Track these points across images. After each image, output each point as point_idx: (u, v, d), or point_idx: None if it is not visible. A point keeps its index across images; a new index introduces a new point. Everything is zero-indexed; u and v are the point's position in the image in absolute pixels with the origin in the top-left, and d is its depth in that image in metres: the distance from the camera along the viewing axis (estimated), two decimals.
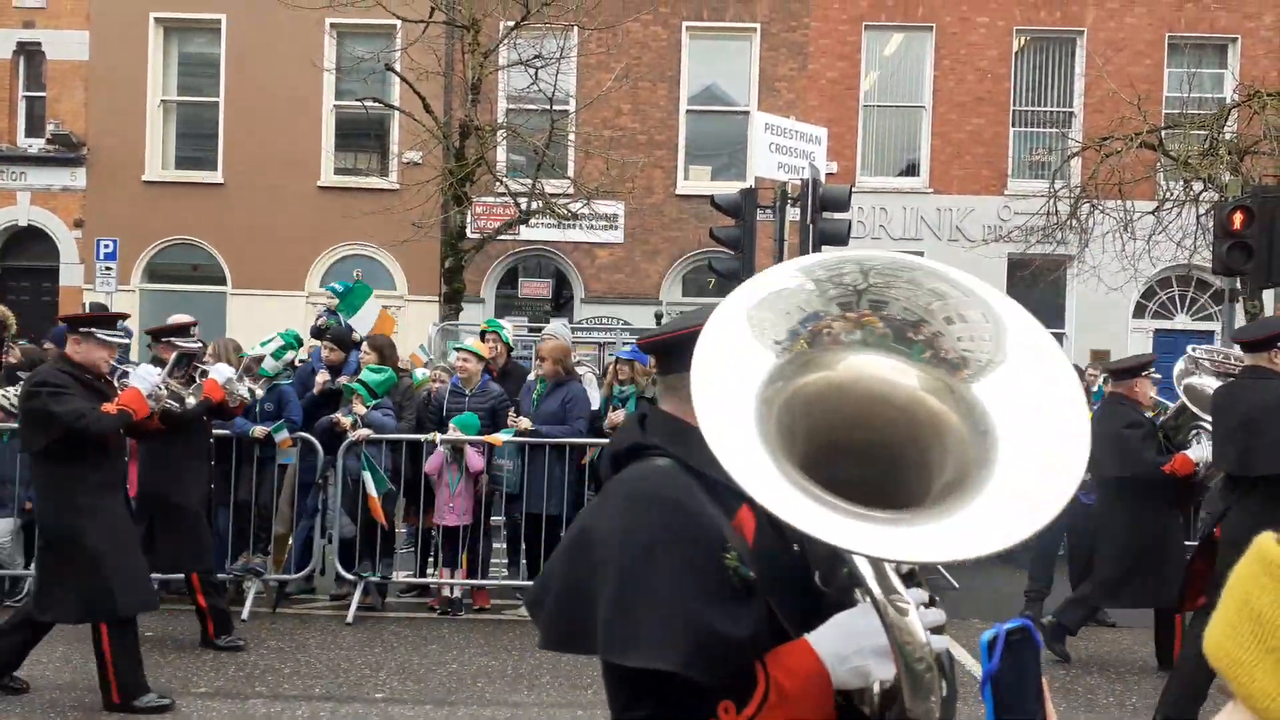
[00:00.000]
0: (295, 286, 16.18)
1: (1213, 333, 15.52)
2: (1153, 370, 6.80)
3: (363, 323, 9.15)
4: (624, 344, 10.70)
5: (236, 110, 16.33)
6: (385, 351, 7.69)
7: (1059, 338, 16.12)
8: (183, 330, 6.54)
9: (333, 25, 15.61)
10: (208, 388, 6.18)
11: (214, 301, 16.12)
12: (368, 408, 7.13)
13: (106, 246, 14.60)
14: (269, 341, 7.41)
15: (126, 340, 6.68)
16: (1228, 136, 12.84)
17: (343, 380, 7.56)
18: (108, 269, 14.51)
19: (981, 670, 0.87)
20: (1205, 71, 15.78)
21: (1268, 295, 13.21)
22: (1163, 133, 13.30)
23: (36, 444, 5.06)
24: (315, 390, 7.44)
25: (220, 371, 6.33)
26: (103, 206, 16.32)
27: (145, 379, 5.43)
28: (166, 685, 5.43)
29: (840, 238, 10.16)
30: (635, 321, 15.35)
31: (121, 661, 5.09)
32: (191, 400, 6.09)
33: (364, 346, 7.71)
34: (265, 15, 14.81)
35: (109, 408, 5.09)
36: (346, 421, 7.08)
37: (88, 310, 10.78)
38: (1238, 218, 9.72)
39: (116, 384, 5.42)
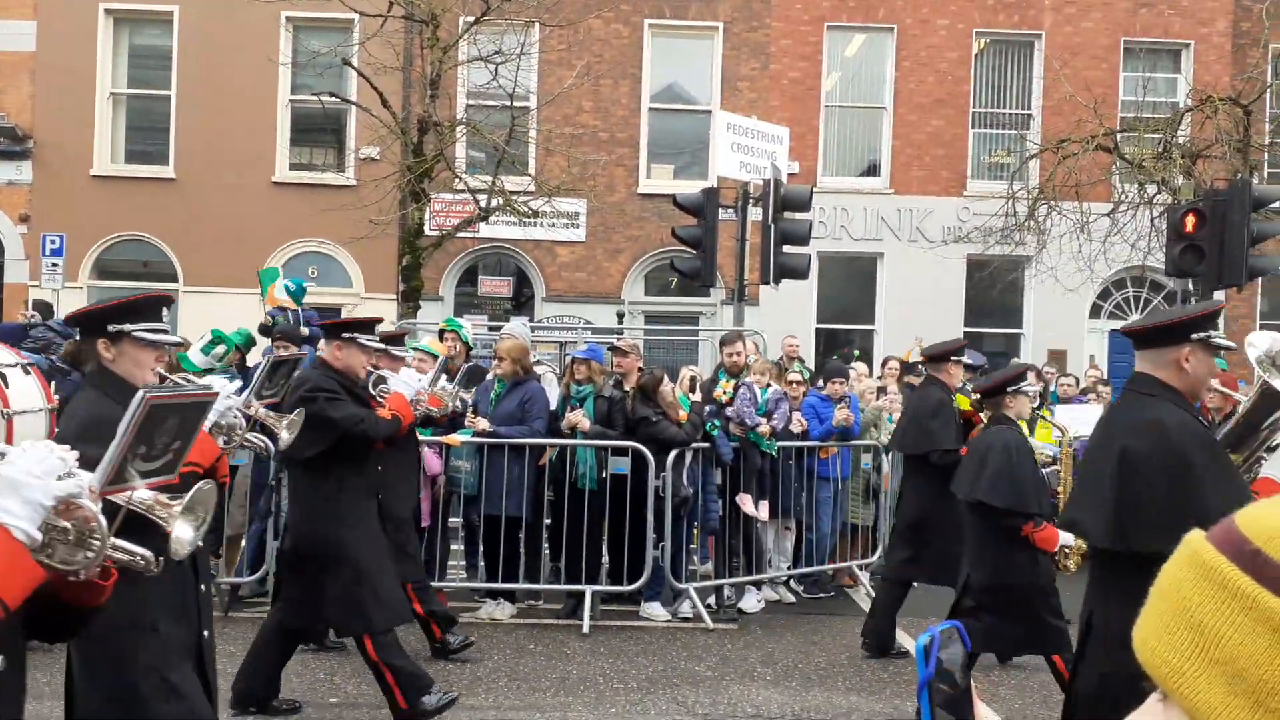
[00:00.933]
0: (249, 284, 15.78)
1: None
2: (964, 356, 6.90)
3: (299, 294, 9.03)
4: (584, 343, 10.62)
5: (189, 104, 15.99)
6: None
7: (1016, 338, 16.32)
8: (396, 339, 6.29)
9: (289, 19, 15.35)
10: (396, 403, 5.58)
11: None
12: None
13: (53, 242, 14.23)
14: (202, 338, 7.27)
15: (397, 349, 6.18)
16: (1181, 140, 13.07)
17: None
18: (54, 265, 14.13)
19: (919, 676, 0.84)
20: (1159, 76, 16.03)
21: (1219, 296, 13.45)
22: (1118, 136, 13.50)
23: (307, 451, 4.80)
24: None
25: (406, 384, 5.85)
26: (49, 201, 15.90)
27: (408, 384, 5.41)
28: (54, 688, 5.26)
29: (801, 238, 10.17)
30: (597, 320, 15.27)
31: (396, 663, 4.88)
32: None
33: (322, 345, 7.55)
34: (219, 7, 14.53)
35: (383, 413, 5.03)
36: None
37: (31, 309, 10.47)
38: (1190, 221, 9.88)
39: (373, 390, 5.33)
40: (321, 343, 5.39)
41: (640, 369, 7.51)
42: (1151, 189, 12.98)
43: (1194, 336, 3.14)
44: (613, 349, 7.77)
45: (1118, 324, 16.59)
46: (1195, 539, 0.55)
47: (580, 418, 7.19)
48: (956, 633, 0.89)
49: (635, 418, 7.21)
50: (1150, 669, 0.54)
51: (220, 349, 7.26)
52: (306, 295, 9.83)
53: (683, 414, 7.29)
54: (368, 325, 5.28)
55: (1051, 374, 10.82)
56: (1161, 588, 0.55)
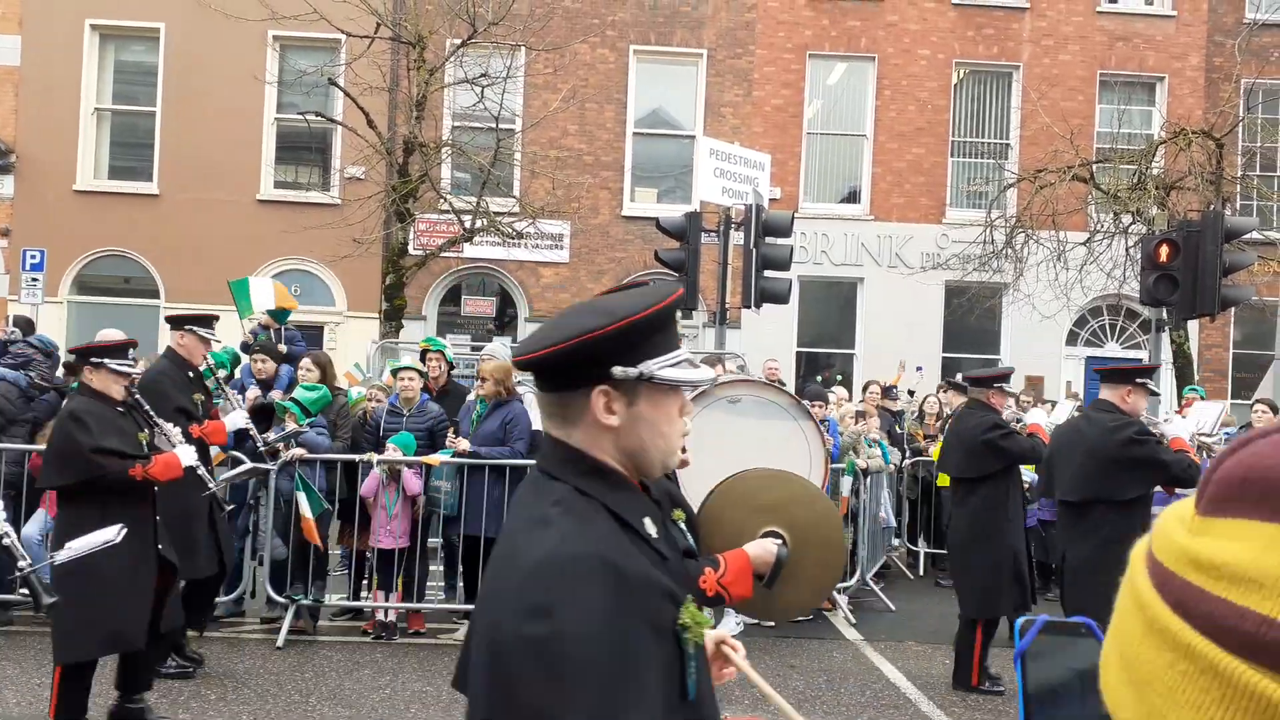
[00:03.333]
0: (231, 301, 15.83)
1: (1141, 361, 15.99)
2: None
3: (265, 302, 8.98)
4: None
5: (174, 120, 15.99)
6: (326, 369, 7.56)
7: (993, 364, 16.48)
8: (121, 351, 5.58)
9: (275, 38, 15.41)
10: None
11: (146, 315, 15.70)
12: (300, 426, 6.98)
13: (33, 257, 14.17)
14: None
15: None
16: (1155, 172, 13.30)
17: (274, 396, 7.40)
18: (34, 280, 14.07)
19: (1016, 648, 0.91)
20: (1134, 108, 16.33)
21: (1192, 325, 13.66)
22: (1094, 166, 13.73)
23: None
24: (245, 406, 7.27)
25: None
26: (31, 215, 15.83)
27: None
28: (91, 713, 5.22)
29: (782, 262, 10.28)
30: None
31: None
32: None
33: (304, 363, 7.55)
34: (206, 25, 14.56)
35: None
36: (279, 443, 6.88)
37: (11, 324, 10.37)
38: (1164, 251, 10.05)
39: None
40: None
41: None
42: (1126, 219, 13.20)
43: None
44: None
45: (1093, 351, 16.81)
46: (1138, 556, 0.57)
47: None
48: (1088, 628, 0.92)
49: None
50: (1101, 685, 0.56)
51: (222, 373, 7.28)
52: (290, 315, 9.83)
53: None
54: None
55: (1028, 402, 10.95)
56: (1116, 605, 0.58)
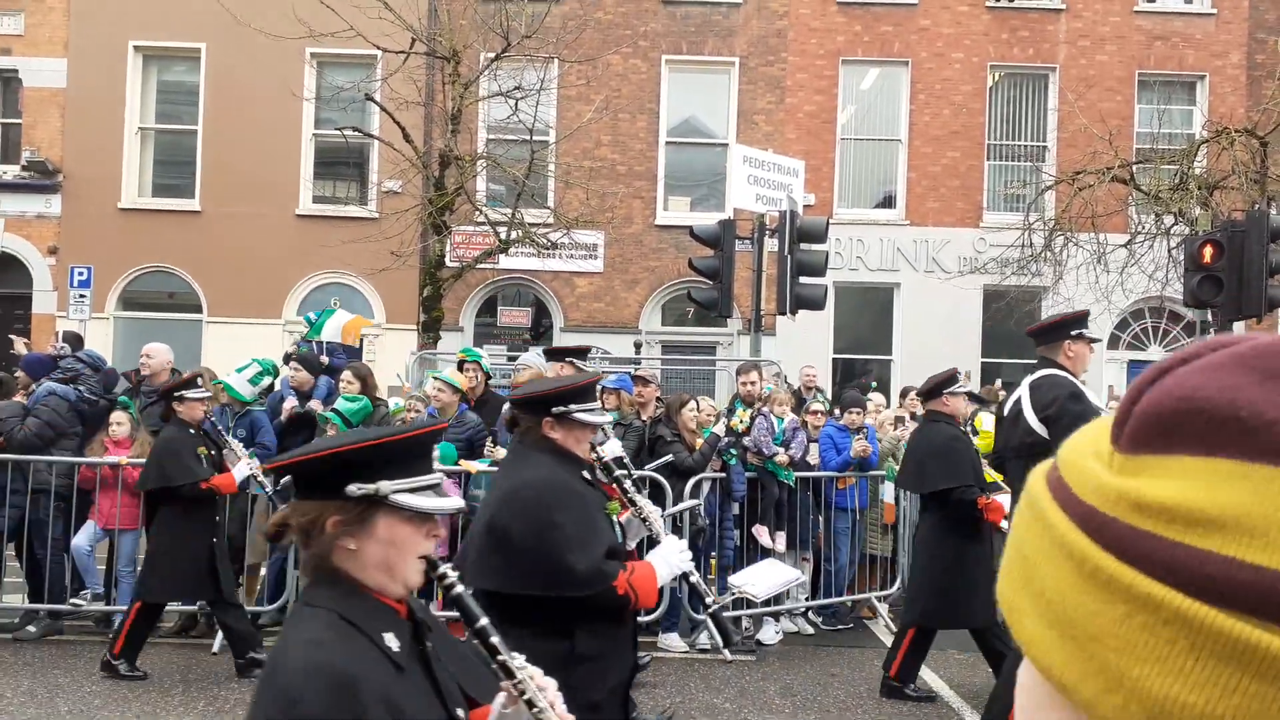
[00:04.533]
0: (272, 315, 16.09)
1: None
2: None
3: (332, 333, 9.06)
4: (605, 373, 10.69)
5: (215, 138, 16.29)
6: (367, 381, 7.64)
7: (1033, 368, 16.26)
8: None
9: (313, 55, 15.66)
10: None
11: (190, 329, 15.99)
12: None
13: (81, 274, 14.47)
14: (245, 368, 7.36)
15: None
16: (1197, 171, 13.09)
17: (312, 405, 7.49)
18: (81, 296, 14.37)
19: None
20: (1174, 108, 16.09)
21: (1238, 327, 13.40)
22: (1134, 167, 13.54)
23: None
24: (283, 416, 7.37)
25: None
26: (77, 233, 16.20)
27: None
28: (126, 717, 5.32)
29: (817, 269, 10.24)
30: (615, 350, 15.35)
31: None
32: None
33: (345, 374, 7.64)
34: (245, 44, 14.82)
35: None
36: None
37: (61, 340, 10.62)
38: (1208, 251, 9.88)
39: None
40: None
41: (658, 399, 7.57)
42: (1168, 220, 12.99)
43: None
44: (634, 378, 7.84)
45: (1136, 354, 16.54)
46: (1035, 474, 0.53)
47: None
48: None
49: (653, 435, 7.31)
50: (1002, 609, 0.50)
51: (266, 381, 7.42)
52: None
53: (699, 442, 7.34)
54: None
55: (1001, 392, 10.79)
56: (1011, 527, 0.54)
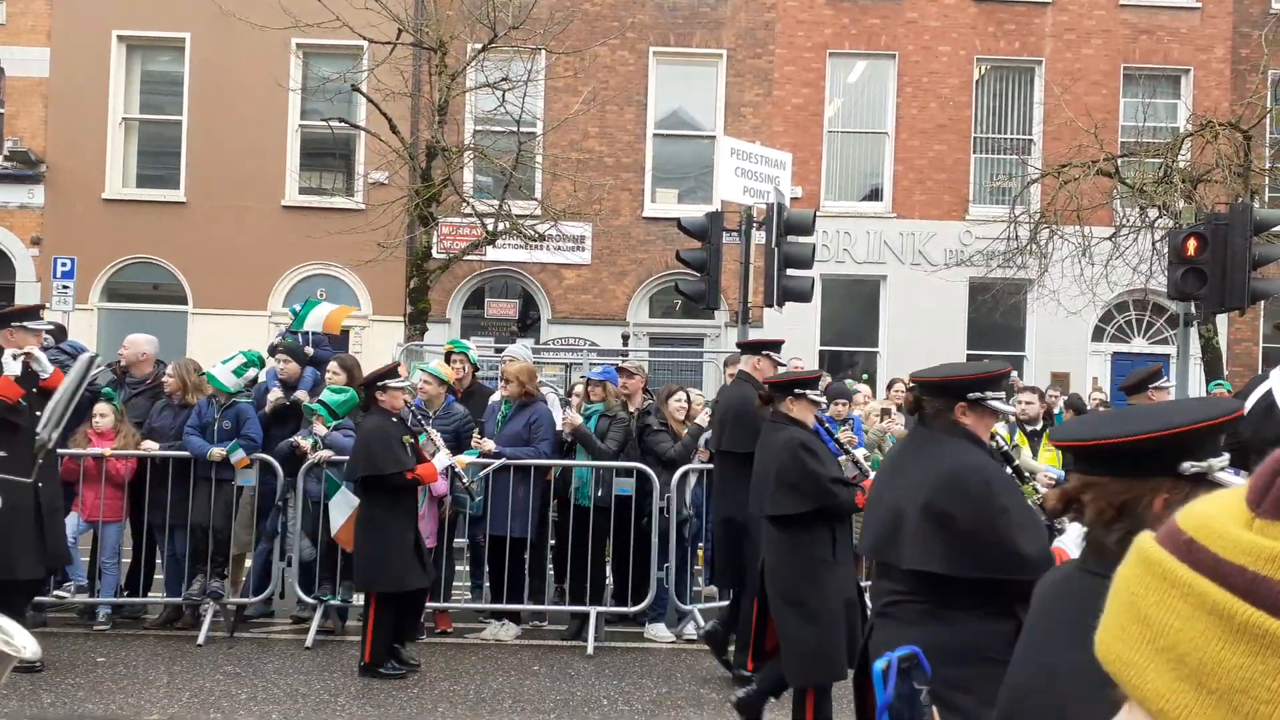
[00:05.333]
0: (258, 306, 16.02)
1: (1168, 356, 15.81)
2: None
3: (314, 324, 8.98)
4: (591, 365, 10.70)
5: (200, 129, 16.19)
6: (353, 372, 7.61)
7: (1019, 360, 16.37)
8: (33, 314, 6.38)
9: (299, 45, 15.56)
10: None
11: (175, 321, 15.90)
12: (328, 428, 7.05)
13: (64, 265, 14.38)
14: (230, 359, 7.32)
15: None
16: (1181, 165, 13.16)
17: (298, 396, 7.47)
18: (65, 288, 14.28)
19: (878, 699, 0.88)
20: (1159, 101, 16.18)
21: (1221, 320, 13.51)
22: (1119, 160, 13.60)
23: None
24: (267, 409, 7.34)
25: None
26: (61, 224, 16.08)
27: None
28: (118, 711, 5.31)
29: (804, 261, 10.26)
30: (602, 342, 15.36)
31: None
32: None
33: (332, 365, 7.61)
34: (230, 34, 14.72)
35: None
36: (306, 444, 7.00)
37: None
38: (1191, 244, 9.94)
39: None
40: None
41: (645, 390, 7.58)
42: (1153, 213, 13.07)
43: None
44: (618, 370, 7.86)
45: (1120, 347, 16.65)
46: (1144, 539, 0.57)
47: (575, 415, 7.32)
48: (916, 658, 0.92)
49: (640, 424, 7.33)
50: (1107, 665, 0.56)
51: (251, 372, 7.37)
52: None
53: (684, 432, 7.37)
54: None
55: (1055, 396, 10.86)
56: (1115, 588, 0.58)
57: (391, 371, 6.48)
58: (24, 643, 1.58)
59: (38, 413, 5.89)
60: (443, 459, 6.55)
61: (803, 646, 4.65)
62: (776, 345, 6.59)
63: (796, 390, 4.96)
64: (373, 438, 6.15)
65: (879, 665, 0.89)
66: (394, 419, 6.29)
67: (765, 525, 4.99)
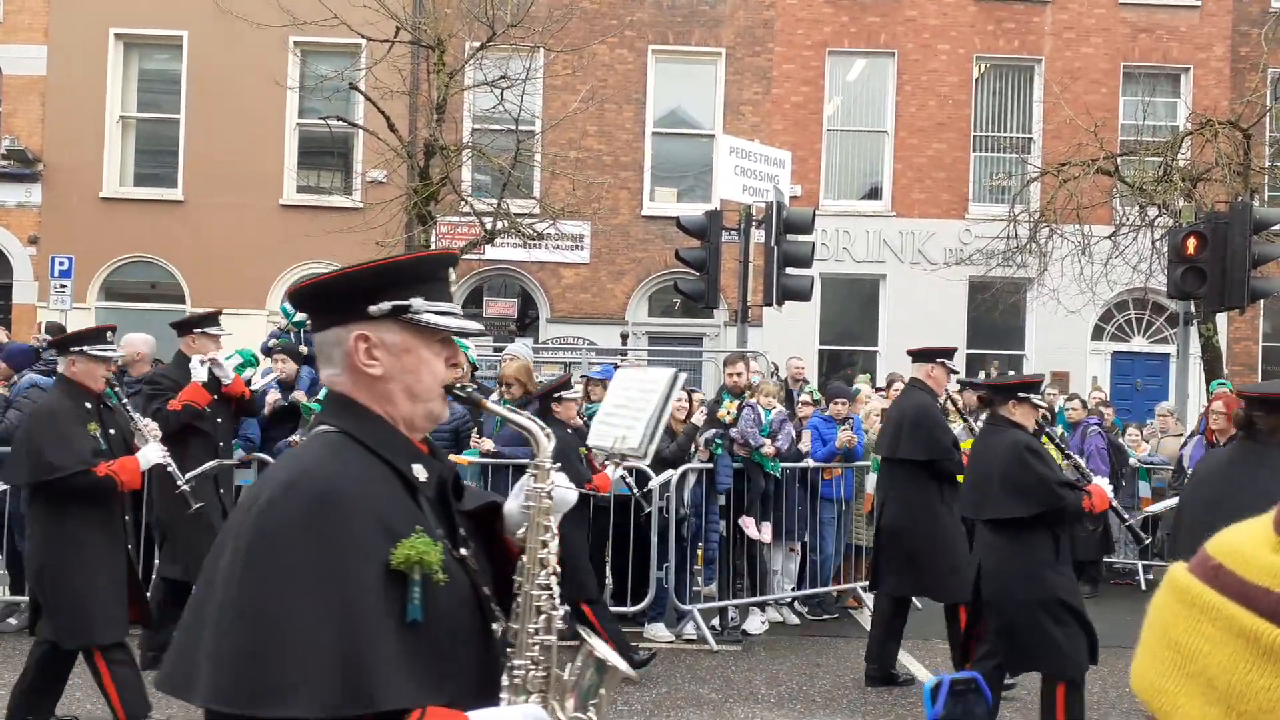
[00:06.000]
0: (256, 305, 15.98)
1: (1168, 355, 15.81)
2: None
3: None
4: (590, 364, 10.68)
5: (197, 127, 16.15)
6: None
7: (1018, 359, 16.37)
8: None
9: (296, 43, 15.52)
10: None
11: (172, 320, 15.85)
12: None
13: (62, 264, 14.34)
14: (228, 359, 7.29)
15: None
16: (1181, 164, 13.14)
17: (296, 396, 7.44)
18: (62, 287, 14.24)
19: (927, 716, 0.86)
20: (1159, 100, 16.16)
21: (1221, 318, 13.50)
22: (1118, 159, 13.58)
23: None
24: (265, 410, 7.32)
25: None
26: (58, 223, 16.04)
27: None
28: (107, 712, 5.28)
29: (804, 260, 10.24)
30: (601, 342, 15.33)
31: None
32: None
33: None
34: (228, 32, 14.67)
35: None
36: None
37: (44, 331, 10.54)
38: (1191, 243, 9.94)
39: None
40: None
41: None
42: (1152, 212, 13.05)
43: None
44: (616, 369, 7.83)
45: (1120, 346, 16.64)
46: (1176, 569, 0.58)
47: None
48: (976, 683, 0.90)
49: None
50: (1139, 693, 0.57)
51: (248, 372, 7.36)
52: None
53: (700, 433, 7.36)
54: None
55: (1054, 394, 10.83)
56: (1149, 617, 0.59)
57: (565, 384, 6.59)
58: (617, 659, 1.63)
59: (219, 420, 6.00)
60: (614, 472, 6.56)
61: (1046, 639, 4.68)
62: (950, 353, 6.64)
63: (1020, 394, 5.04)
64: (558, 454, 6.05)
65: (929, 684, 0.88)
66: (569, 430, 6.27)
67: (980, 529, 5.10)
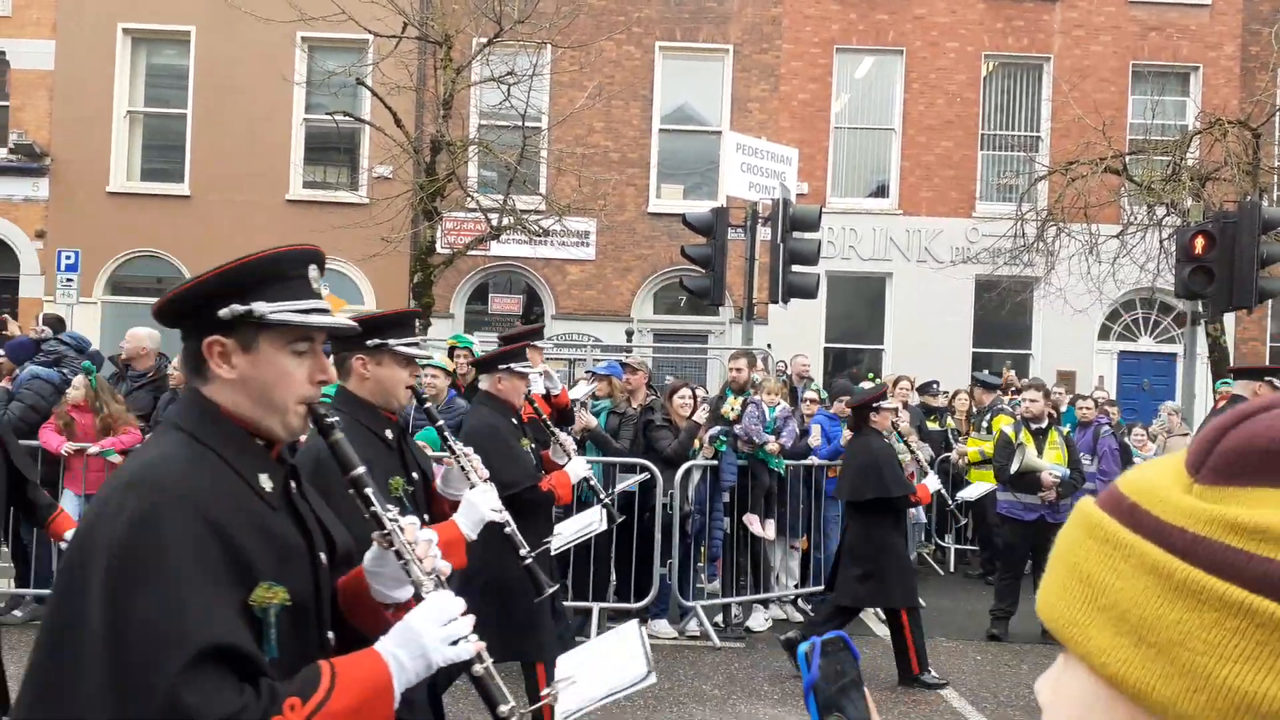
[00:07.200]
0: None
1: (1175, 355, 15.74)
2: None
3: None
4: (595, 360, 10.67)
5: (204, 123, 16.17)
6: None
7: (1024, 358, 16.32)
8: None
9: (304, 39, 15.53)
10: None
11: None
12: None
13: (68, 258, 14.37)
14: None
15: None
16: (1190, 163, 13.08)
17: None
18: (69, 281, 14.27)
19: (804, 680, 0.88)
20: (1168, 99, 16.07)
21: (1228, 318, 13.44)
22: (1127, 158, 13.52)
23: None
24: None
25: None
26: (65, 217, 16.07)
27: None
28: None
29: (810, 257, 10.22)
30: (606, 338, 15.32)
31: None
32: None
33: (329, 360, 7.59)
34: (235, 28, 14.69)
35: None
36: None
37: (42, 323, 10.54)
38: (1199, 242, 9.88)
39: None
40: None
41: (648, 386, 7.55)
42: (1160, 211, 12.99)
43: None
44: (622, 365, 7.82)
45: (1127, 345, 16.58)
46: (1085, 504, 0.60)
47: (589, 416, 7.25)
48: (844, 642, 0.93)
49: (643, 420, 7.30)
50: (1049, 623, 0.59)
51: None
52: None
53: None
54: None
55: (1060, 393, 10.80)
56: (1058, 550, 0.60)
57: (883, 395, 6.84)
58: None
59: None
60: (933, 481, 6.91)
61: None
62: (1278, 371, 7.23)
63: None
64: (879, 461, 6.38)
65: (803, 647, 0.89)
66: (884, 438, 6.61)
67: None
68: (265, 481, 1.62)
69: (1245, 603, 0.50)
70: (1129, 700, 0.54)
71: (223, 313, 1.58)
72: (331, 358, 2.95)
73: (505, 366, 4.56)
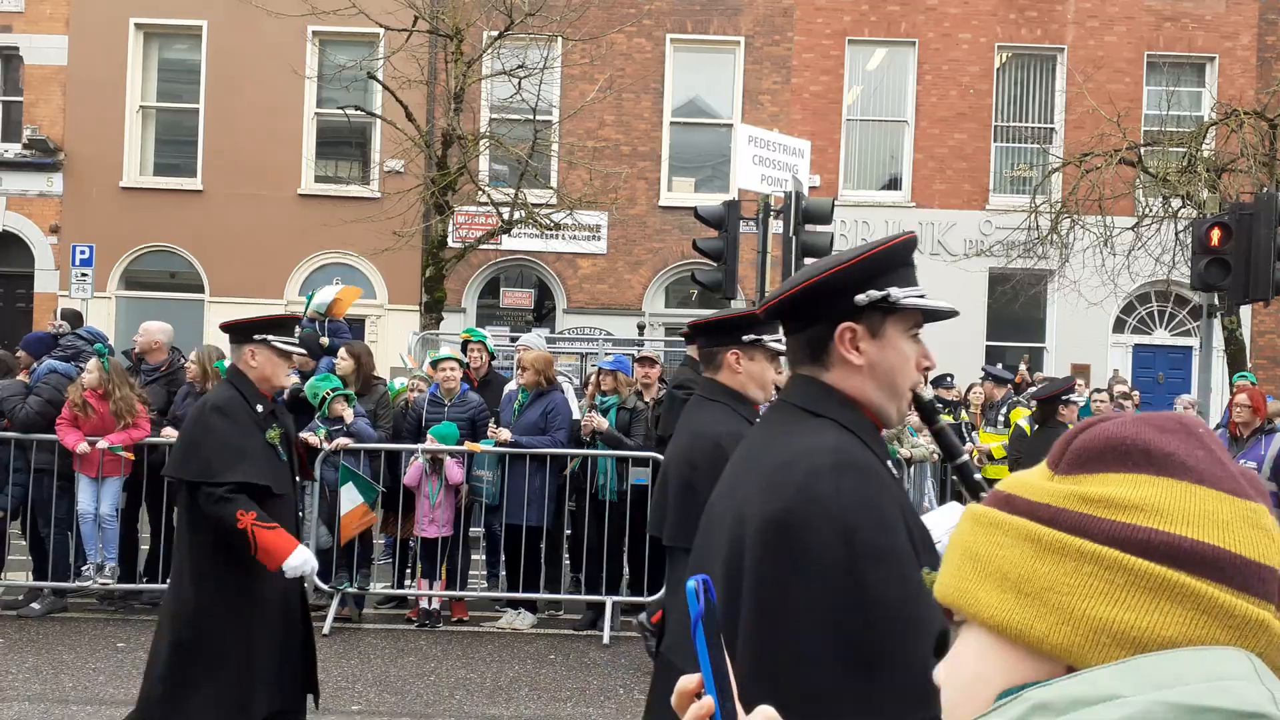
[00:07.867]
0: (274, 294, 16.05)
1: (1191, 348, 15.65)
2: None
3: (318, 305, 8.86)
4: (605, 354, 10.66)
5: (217, 117, 16.22)
6: (362, 359, 7.61)
7: (1039, 352, 16.24)
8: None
9: (315, 33, 15.55)
10: None
11: (192, 309, 15.96)
12: (353, 409, 7.05)
13: (82, 253, 14.43)
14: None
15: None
16: (1206, 154, 12.97)
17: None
18: (83, 275, 14.33)
19: (691, 613, 0.91)
20: (1184, 90, 15.95)
21: (1245, 311, 13.34)
22: (1142, 150, 13.42)
23: None
24: (284, 396, 7.33)
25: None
26: (79, 212, 16.15)
27: None
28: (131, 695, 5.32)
29: (823, 250, 10.17)
30: (617, 332, 15.31)
31: None
32: None
33: (341, 353, 7.60)
34: (247, 22, 14.72)
35: None
36: (315, 439, 6.86)
37: (60, 318, 10.59)
38: (1215, 234, 9.80)
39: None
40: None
41: (661, 380, 7.54)
42: (1176, 203, 12.90)
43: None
44: (639, 359, 7.81)
45: (1142, 339, 16.49)
46: (972, 506, 0.77)
47: (599, 418, 7.24)
48: (709, 582, 0.98)
49: (655, 414, 7.31)
50: (945, 600, 0.74)
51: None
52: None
53: None
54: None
55: (1081, 384, 10.74)
56: (951, 544, 0.76)
57: (1070, 388, 6.97)
58: None
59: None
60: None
61: None
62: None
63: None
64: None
65: (691, 583, 0.93)
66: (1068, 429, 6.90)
67: None
68: (892, 468, 1.64)
69: (1096, 553, 0.66)
70: (1013, 642, 0.69)
71: (859, 298, 1.56)
72: (698, 350, 3.11)
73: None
